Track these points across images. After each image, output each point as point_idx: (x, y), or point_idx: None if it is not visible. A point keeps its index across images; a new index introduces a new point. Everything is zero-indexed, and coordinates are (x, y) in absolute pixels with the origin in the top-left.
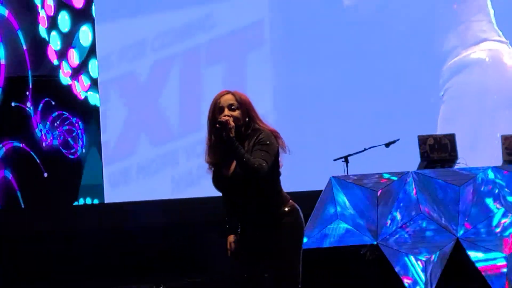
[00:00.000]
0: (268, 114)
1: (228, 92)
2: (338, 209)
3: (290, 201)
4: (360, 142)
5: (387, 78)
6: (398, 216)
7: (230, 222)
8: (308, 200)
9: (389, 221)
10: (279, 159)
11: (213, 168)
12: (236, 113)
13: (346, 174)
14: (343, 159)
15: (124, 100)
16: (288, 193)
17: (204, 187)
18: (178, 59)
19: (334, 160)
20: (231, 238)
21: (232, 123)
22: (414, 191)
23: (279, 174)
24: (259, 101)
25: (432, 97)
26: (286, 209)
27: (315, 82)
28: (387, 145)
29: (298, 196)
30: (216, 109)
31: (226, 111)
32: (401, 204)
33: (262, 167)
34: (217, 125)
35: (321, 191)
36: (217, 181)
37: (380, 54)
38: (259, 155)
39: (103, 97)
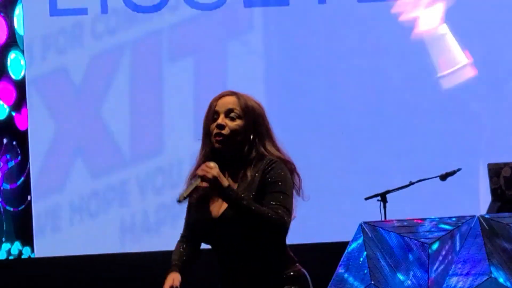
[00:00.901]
0: None
1: (232, 94)
2: (372, 269)
3: (297, 264)
4: (402, 173)
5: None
6: (459, 281)
7: (185, 255)
8: (326, 257)
9: None
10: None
11: (191, 206)
12: (236, 123)
13: (383, 219)
14: (378, 198)
15: (51, 110)
16: (297, 246)
17: (167, 237)
18: (128, 49)
19: (366, 198)
20: (177, 277)
21: (213, 172)
22: (482, 244)
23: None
24: None
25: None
26: (291, 273)
27: (332, 88)
28: (443, 177)
29: (309, 252)
30: (210, 112)
31: (221, 119)
32: (463, 263)
33: (281, 216)
34: (191, 193)
35: (345, 243)
36: (197, 220)
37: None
38: (275, 200)
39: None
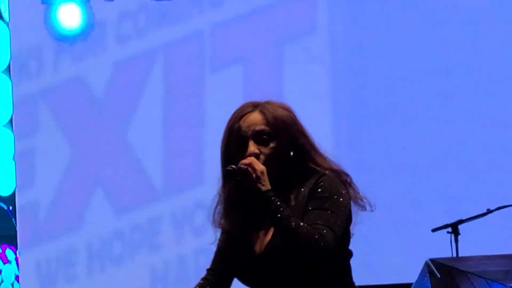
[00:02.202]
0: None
1: (254, 108)
2: None
3: None
4: (478, 199)
5: None
6: None
7: None
8: None
9: None
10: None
11: (228, 239)
12: (270, 147)
13: (454, 255)
14: (449, 229)
15: (64, 130)
16: None
17: None
18: (161, 55)
19: (434, 230)
20: None
21: (261, 167)
22: None
23: (350, 255)
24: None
25: None
26: None
27: (402, 100)
28: None
29: None
30: (233, 138)
31: (252, 146)
32: None
33: (326, 240)
34: (236, 176)
35: (408, 285)
36: (238, 262)
37: None
38: (319, 218)
39: (21, 126)
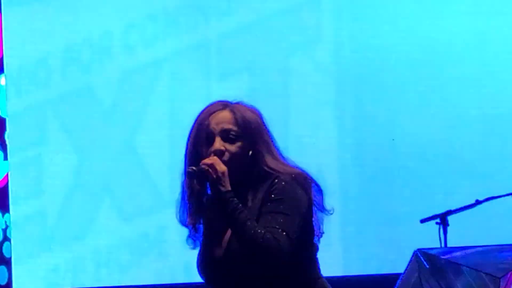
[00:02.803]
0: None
1: (224, 107)
2: None
3: None
4: (467, 190)
5: None
6: None
7: None
8: None
9: None
10: (318, 215)
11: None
12: (236, 146)
13: (443, 246)
14: (437, 220)
15: (72, 139)
16: (340, 279)
17: None
18: (168, 64)
19: (422, 221)
20: None
21: (222, 168)
22: None
23: (313, 251)
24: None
25: None
26: None
27: (405, 103)
28: None
29: (354, 286)
30: (200, 133)
31: (219, 143)
32: None
33: (280, 244)
34: (197, 177)
35: (396, 276)
36: (201, 263)
37: None
38: (274, 222)
39: (29, 135)
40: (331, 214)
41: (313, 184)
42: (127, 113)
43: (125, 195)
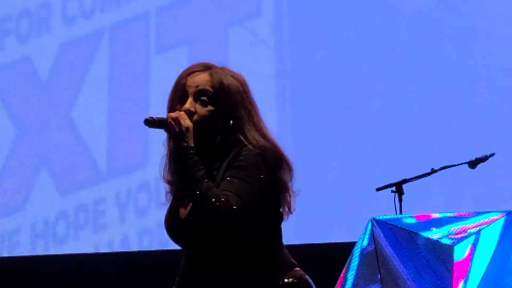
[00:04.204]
0: (273, 128)
1: (205, 69)
2: (383, 274)
3: (296, 268)
4: (422, 159)
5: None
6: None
7: None
8: (329, 260)
9: None
10: (287, 194)
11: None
12: (207, 109)
13: (398, 214)
14: (393, 188)
15: (9, 110)
16: (296, 247)
17: None
18: (106, 37)
19: (378, 189)
20: None
21: (188, 123)
22: None
23: (276, 221)
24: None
25: None
26: (286, 280)
27: (347, 79)
28: (473, 164)
29: (310, 254)
30: (177, 92)
31: (189, 103)
32: (496, 269)
33: (231, 206)
34: (155, 126)
35: (352, 244)
36: (167, 222)
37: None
38: (231, 185)
39: None
40: (297, 195)
41: (282, 162)
42: (65, 85)
43: (62, 167)
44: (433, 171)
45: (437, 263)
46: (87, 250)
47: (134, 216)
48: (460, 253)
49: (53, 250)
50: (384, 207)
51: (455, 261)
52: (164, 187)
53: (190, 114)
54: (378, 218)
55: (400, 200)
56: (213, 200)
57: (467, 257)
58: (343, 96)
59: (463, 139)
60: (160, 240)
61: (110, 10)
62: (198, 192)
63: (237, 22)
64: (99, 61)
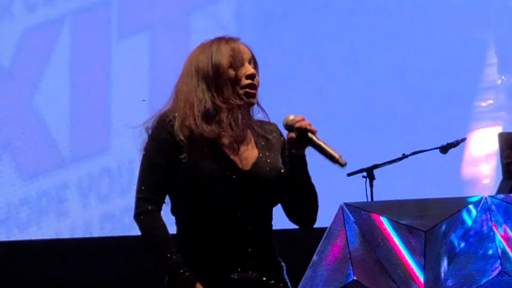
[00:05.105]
0: None
1: (242, 42)
2: (355, 261)
3: None
4: (393, 144)
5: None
6: (462, 275)
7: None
8: (299, 246)
9: None
10: None
11: (192, 147)
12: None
13: (369, 199)
14: (364, 174)
15: None
16: None
17: None
18: (68, 23)
19: (349, 174)
20: None
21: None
22: (492, 232)
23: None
24: None
25: None
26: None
27: (312, 63)
28: (444, 149)
29: (281, 239)
30: (234, 56)
31: (251, 68)
32: (467, 254)
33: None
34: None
35: (323, 229)
36: (215, 173)
37: None
38: None
39: None
40: None
41: None
42: (27, 72)
43: (24, 153)
44: (404, 156)
45: (407, 248)
46: (50, 236)
47: (96, 202)
48: (431, 238)
49: (18, 236)
50: (355, 193)
51: (426, 246)
52: (126, 172)
53: (253, 76)
54: (349, 203)
55: (371, 185)
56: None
57: (438, 242)
58: (310, 80)
59: (434, 125)
60: (123, 226)
61: None
62: (311, 183)
63: (198, 8)
64: (61, 48)
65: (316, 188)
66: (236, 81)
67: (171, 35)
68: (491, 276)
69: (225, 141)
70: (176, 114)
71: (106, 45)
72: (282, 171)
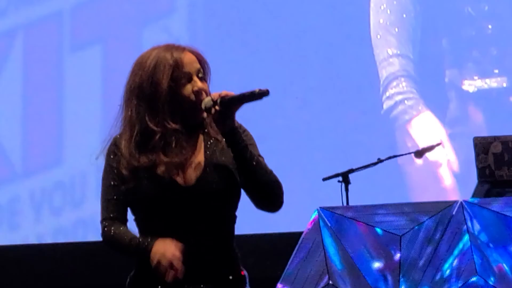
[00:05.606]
0: None
1: (190, 50)
2: (330, 265)
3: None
4: (369, 149)
5: None
6: (438, 280)
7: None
8: (275, 250)
9: None
10: None
11: (136, 173)
12: (207, 86)
13: (344, 203)
14: (339, 178)
15: None
16: (243, 238)
17: None
18: (20, 35)
19: (325, 179)
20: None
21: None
22: (466, 236)
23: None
24: None
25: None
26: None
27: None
28: (420, 154)
29: (254, 244)
30: (177, 72)
31: (200, 82)
32: (443, 258)
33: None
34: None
35: (298, 234)
36: (158, 191)
37: None
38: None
39: None
40: None
41: None
42: None
43: None
44: (380, 161)
45: (382, 253)
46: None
47: (49, 215)
48: (407, 242)
49: None
50: (331, 197)
51: (402, 250)
52: (78, 185)
53: (204, 93)
54: (324, 208)
55: (347, 190)
56: (277, 180)
57: (414, 247)
58: (285, 88)
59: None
60: (76, 239)
61: (24, 8)
62: (263, 168)
63: (151, 21)
64: (13, 60)
65: (292, 193)
66: (179, 100)
67: (123, 48)
68: (467, 279)
69: (161, 167)
70: (121, 140)
71: (58, 58)
72: (235, 168)
